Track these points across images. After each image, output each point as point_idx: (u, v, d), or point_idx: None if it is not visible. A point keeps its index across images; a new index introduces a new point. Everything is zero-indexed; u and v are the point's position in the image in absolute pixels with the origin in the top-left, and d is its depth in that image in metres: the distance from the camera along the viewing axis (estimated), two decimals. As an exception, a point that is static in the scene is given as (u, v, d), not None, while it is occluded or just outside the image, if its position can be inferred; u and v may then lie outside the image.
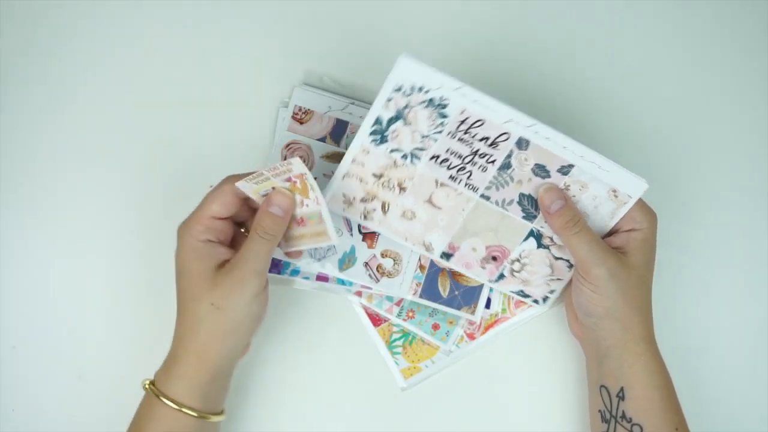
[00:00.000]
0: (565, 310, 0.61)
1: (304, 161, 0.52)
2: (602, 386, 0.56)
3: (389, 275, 0.61)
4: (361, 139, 0.54)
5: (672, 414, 0.54)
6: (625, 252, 0.55)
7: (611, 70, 0.68)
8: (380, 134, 0.54)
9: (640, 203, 0.56)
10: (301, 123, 0.64)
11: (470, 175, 0.56)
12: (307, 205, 0.55)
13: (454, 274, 0.62)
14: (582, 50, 0.68)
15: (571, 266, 0.58)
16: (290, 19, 0.67)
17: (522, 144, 0.54)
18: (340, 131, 0.64)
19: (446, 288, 0.62)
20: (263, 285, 0.53)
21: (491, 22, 0.68)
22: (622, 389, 0.54)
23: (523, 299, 0.61)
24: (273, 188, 0.54)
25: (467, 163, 0.55)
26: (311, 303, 0.63)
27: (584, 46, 0.68)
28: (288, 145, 0.64)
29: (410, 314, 0.62)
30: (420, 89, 0.52)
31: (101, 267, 0.64)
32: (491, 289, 0.62)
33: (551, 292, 0.60)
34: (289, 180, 0.54)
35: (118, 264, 0.64)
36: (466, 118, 0.53)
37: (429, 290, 0.61)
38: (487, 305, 0.62)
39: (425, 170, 0.56)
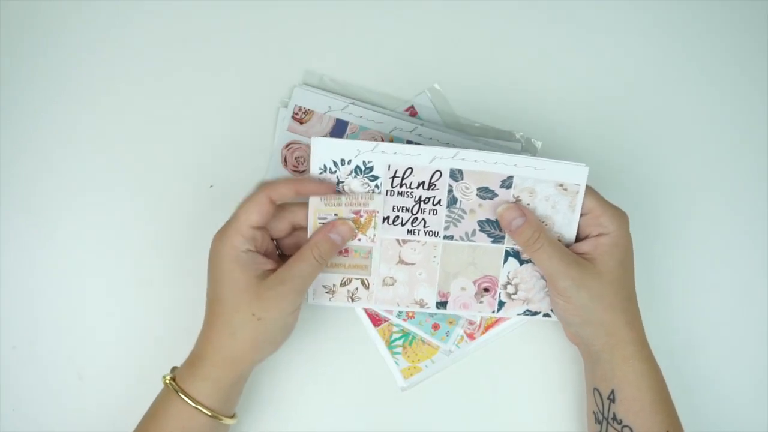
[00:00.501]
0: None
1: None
2: (595, 389, 0.56)
3: (389, 275, 0.61)
4: (311, 227, 0.56)
5: (663, 416, 0.54)
6: (593, 258, 0.55)
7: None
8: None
9: (605, 207, 0.55)
10: (301, 123, 0.64)
11: (425, 222, 0.57)
12: (360, 240, 0.57)
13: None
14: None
15: None
16: (290, 19, 0.67)
17: (456, 175, 0.55)
18: (340, 131, 0.64)
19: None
20: (301, 301, 0.55)
21: (489, 26, 0.68)
22: (612, 392, 0.55)
23: (532, 317, 0.60)
24: (335, 214, 0.56)
25: (416, 213, 0.56)
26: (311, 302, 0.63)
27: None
28: (288, 145, 0.64)
29: (410, 314, 0.62)
30: (342, 162, 0.55)
31: (101, 267, 0.64)
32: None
33: None
34: (356, 213, 0.56)
35: (118, 264, 0.64)
36: (395, 172, 0.55)
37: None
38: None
39: (383, 235, 0.57)
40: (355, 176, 0.55)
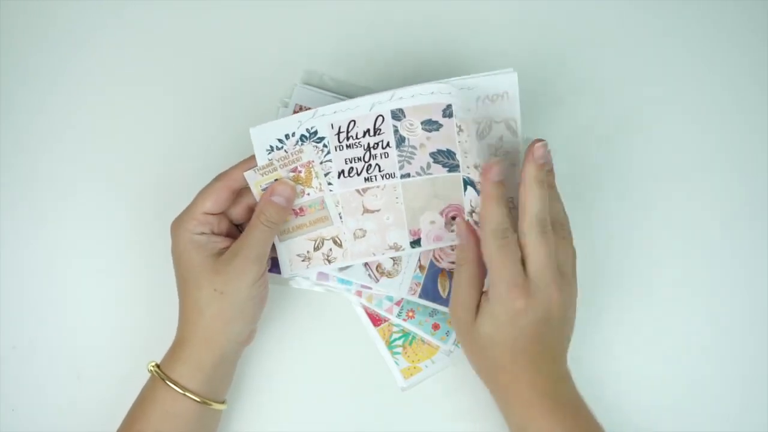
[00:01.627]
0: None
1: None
2: None
3: (389, 275, 0.61)
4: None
5: None
6: (477, 315, 0.53)
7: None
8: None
9: (504, 278, 0.51)
10: (301, 123, 0.64)
11: (379, 167, 0.57)
12: (308, 194, 0.57)
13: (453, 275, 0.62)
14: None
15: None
16: (291, 19, 0.67)
17: (398, 115, 0.56)
18: (340, 131, 0.64)
19: (446, 288, 0.62)
20: (263, 270, 0.55)
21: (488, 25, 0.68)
22: None
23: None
24: (276, 180, 0.56)
25: (369, 160, 0.57)
26: (311, 302, 0.63)
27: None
28: (288, 145, 0.64)
29: (410, 314, 0.62)
30: (286, 137, 0.56)
31: (101, 267, 0.64)
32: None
33: None
34: (294, 170, 0.56)
35: (117, 264, 0.64)
36: (339, 128, 0.56)
37: (428, 290, 0.61)
38: (487, 305, 0.62)
39: (342, 189, 0.57)
40: (303, 144, 0.56)
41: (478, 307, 0.53)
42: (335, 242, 0.59)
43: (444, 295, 0.61)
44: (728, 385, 0.62)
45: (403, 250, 0.59)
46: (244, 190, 0.57)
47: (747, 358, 0.63)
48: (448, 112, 0.56)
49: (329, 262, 0.59)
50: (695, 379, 0.62)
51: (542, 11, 0.68)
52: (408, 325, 0.62)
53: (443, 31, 0.67)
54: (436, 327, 0.62)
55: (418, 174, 0.57)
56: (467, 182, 0.57)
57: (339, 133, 0.56)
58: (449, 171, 0.57)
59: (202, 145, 0.65)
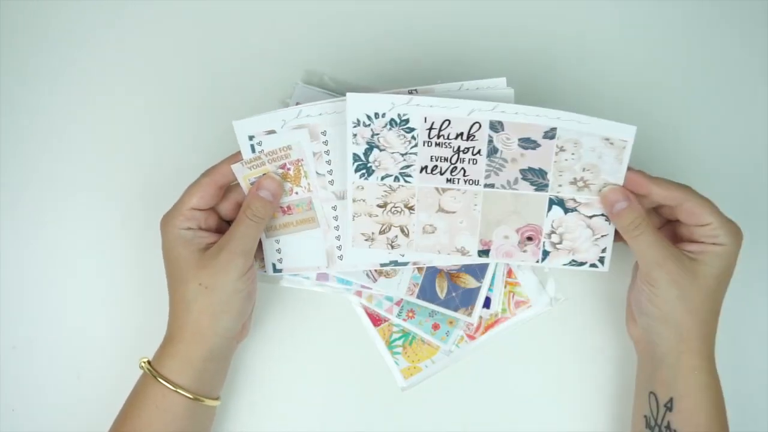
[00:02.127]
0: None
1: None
2: (651, 392, 0.55)
3: (387, 275, 0.61)
4: (350, 179, 0.56)
5: None
6: (696, 259, 0.54)
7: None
8: (365, 168, 0.56)
9: (723, 221, 0.54)
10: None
11: (464, 171, 0.56)
12: (297, 193, 0.58)
13: (452, 276, 0.62)
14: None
15: (608, 219, 0.57)
16: (291, 19, 0.67)
17: (496, 127, 0.55)
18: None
19: (444, 289, 0.61)
20: (249, 265, 0.55)
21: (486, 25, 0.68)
22: (671, 400, 0.53)
23: (579, 268, 0.59)
24: (264, 175, 0.56)
25: (455, 162, 0.56)
26: (311, 302, 0.63)
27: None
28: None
29: (410, 314, 0.62)
30: (376, 115, 0.54)
31: (100, 267, 0.64)
32: (490, 290, 0.62)
33: (603, 250, 0.59)
34: (283, 167, 0.56)
35: (117, 264, 0.64)
36: (432, 123, 0.55)
37: (426, 291, 0.61)
38: (487, 305, 0.62)
39: (421, 184, 0.57)
40: (390, 129, 0.55)
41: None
42: (403, 231, 0.58)
43: (442, 296, 0.61)
44: None
45: (470, 256, 0.59)
46: (233, 186, 0.57)
47: None
48: (550, 134, 0.55)
49: (392, 248, 0.59)
50: None
51: (543, 13, 0.68)
52: (408, 325, 0.62)
53: (444, 32, 0.67)
54: (436, 327, 0.62)
55: (503, 187, 0.57)
56: (554, 201, 0.57)
57: (431, 129, 0.55)
58: (536, 190, 0.57)
59: (202, 145, 0.65)
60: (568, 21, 0.67)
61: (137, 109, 0.66)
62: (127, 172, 0.65)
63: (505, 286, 0.63)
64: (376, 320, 0.63)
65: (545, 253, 0.59)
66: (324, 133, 0.56)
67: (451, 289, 0.61)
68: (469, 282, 0.61)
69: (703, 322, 0.54)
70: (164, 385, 0.53)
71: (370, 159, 0.56)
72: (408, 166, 0.56)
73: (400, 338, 0.63)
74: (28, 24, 0.67)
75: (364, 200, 0.57)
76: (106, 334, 0.63)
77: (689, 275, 0.53)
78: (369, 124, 0.55)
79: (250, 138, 0.56)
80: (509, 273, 0.63)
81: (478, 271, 0.61)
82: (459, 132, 0.55)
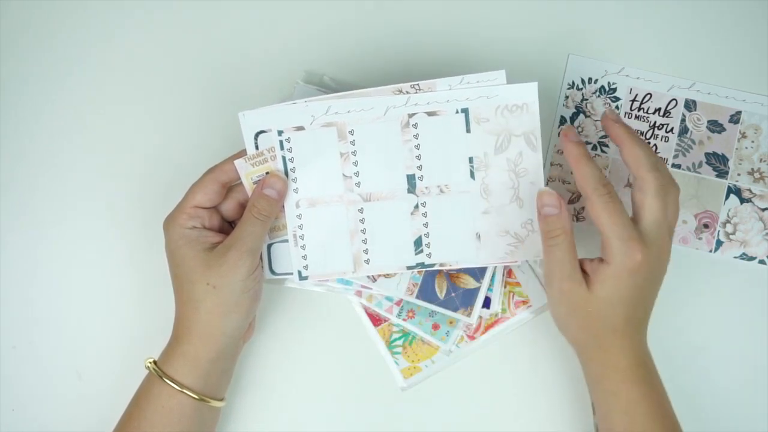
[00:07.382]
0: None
1: None
2: (592, 403, 0.56)
3: (386, 276, 0.61)
4: (554, 142, 0.59)
5: None
6: (590, 279, 0.52)
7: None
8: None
9: (627, 236, 0.50)
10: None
11: (656, 148, 0.59)
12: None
13: (451, 276, 0.62)
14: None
15: None
16: (291, 19, 0.67)
17: (690, 106, 0.58)
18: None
19: (443, 290, 0.61)
20: (256, 264, 0.55)
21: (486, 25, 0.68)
22: (596, 426, 0.55)
23: (748, 262, 0.59)
24: (267, 173, 0.56)
25: (649, 138, 0.59)
26: (311, 302, 0.63)
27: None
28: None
29: (410, 314, 0.62)
30: (589, 80, 0.58)
31: (101, 267, 0.64)
32: (490, 289, 0.62)
33: None
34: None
35: (117, 263, 0.64)
36: (636, 96, 0.58)
37: (426, 291, 0.61)
38: (487, 305, 0.62)
39: (617, 156, 0.59)
40: (598, 95, 0.58)
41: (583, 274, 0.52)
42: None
43: (441, 296, 0.61)
44: None
45: None
46: (235, 186, 0.57)
47: None
48: (735, 118, 0.57)
49: (576, 220, 0.61)
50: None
51: (542, 12, 0.68)
52: (408, 325, 0.62)
53: (444, 31, 0.67)
54: (435, 327, 0.62)
55: (689, 169, 0.59)
56: (732, 190, 0.58)
57: (634, 100, 0.58)
58: (717, 176, 0.58)
59: (202, 145, 0.65)
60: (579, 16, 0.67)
61: (139, 110, 0.66)
62: (128, 172, 0.65)
63: (505, 286, 0.63)
64: (376, 320, 0.63)
65: (718, 243, 0.59)
66: (351, 132, 0.56)
67: (450, 290, 0.61)
68: (469, 282, 0.61)
69: (595, 337, 0.53)
70: (170, 385, 0.53)
71: (574, 125, 0.59)
72: (606, 136, 0.58)
73: (400, 338, 0.63)
74: (30, 24, 0.67)
75: (560, 165, 0.60)
76: (107, 333, 0.63)
77: (580, 292, 0.52)
78: (582, 89, 0.58)
79: (280, 133, 0.55)
80: (509, 273, 0.63)
81: (477, 272, 0.61)
82: (657, 107, 0.58)
